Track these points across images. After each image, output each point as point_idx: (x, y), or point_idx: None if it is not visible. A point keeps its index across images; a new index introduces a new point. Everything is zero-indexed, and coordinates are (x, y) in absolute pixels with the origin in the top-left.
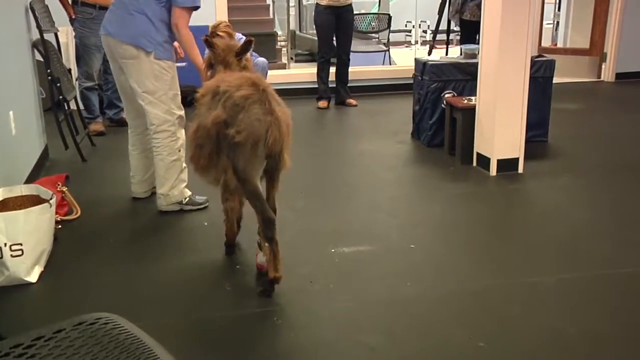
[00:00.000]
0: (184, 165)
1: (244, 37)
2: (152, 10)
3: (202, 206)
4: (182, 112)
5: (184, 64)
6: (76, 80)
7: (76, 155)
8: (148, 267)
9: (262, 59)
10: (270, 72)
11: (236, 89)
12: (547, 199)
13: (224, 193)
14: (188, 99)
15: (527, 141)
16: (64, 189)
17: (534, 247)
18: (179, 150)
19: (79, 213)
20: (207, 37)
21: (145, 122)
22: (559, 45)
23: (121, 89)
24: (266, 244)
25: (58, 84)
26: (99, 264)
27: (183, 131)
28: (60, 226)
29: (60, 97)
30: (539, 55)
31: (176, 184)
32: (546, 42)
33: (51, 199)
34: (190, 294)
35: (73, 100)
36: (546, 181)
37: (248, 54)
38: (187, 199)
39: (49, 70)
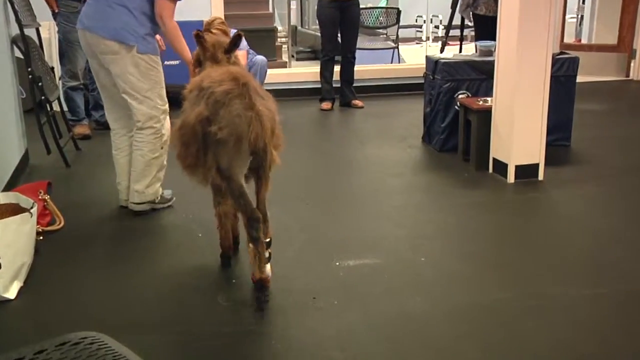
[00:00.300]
0: (165, 163)
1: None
2: (133, 2)
3: (171, 202)
4: (167, 106)
5: (177, 61)
6: (59, 79)
7: (59, 161)
8: (137, 281)
9: (260, 57)
10: (269, 71)
11: (218, 85)
12: (569, 208)
13: (215, 196)
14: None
15: (548, 145)
16: (46, 197)
17: (554, 259)
18: (162, 148)
19: (62, 223)
20: (199, 32)
21: (130, 123)
22: (584, 41)
23: (102, 87)
24: (250, 245)
25: (40, 84)
26: (83, 278)
27: (168, 126)
28: (41, 237)
29: (42, 97)
30: (561, 52)
31: (153, 182)
32: (569, 38)
33: (32, 208)
34: (182, 310)
35: (56, 101)
36: (568, 189)
37: (244, 51)
38: (160, 198)
39: (29, 69)
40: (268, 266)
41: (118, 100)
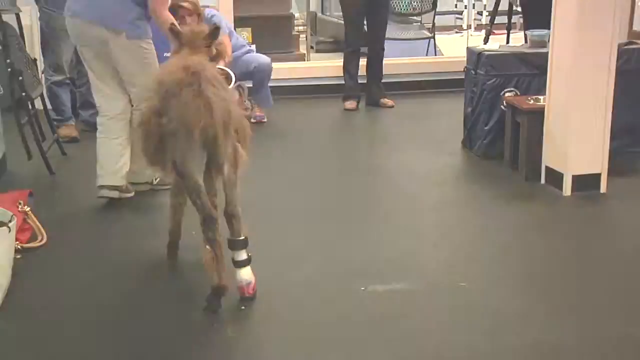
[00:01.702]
0: None
1: (216, 14)
2: None
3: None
4: None
5: None
6: (42, 73)
7: (42, 167)
8: (131, 310)
9: (263, 59)
10: (285, 65)
11: (169, 75)
12: (638, 227)
13: (174, 186)
14: None
15: (613, 152)
16: (27, 209)
17: (623, 289)
18: None
19: (44, 239)
20: (173, 26)
21: (120, 106)
22: None
23: (99, 77)
24: (207, 247)
25: (20, 78)
26: (69, 305)
27: None
28: (20, 256)
29: (23, 94)
30: (630, 42)
31: None
32: None
33: (10, 221)
34: (182, 345)
35: (39, 98)
36: (637, 203)
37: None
38: (158, 179)
39: (8, 61)
40: (249, 269)
41: (114, 83)
